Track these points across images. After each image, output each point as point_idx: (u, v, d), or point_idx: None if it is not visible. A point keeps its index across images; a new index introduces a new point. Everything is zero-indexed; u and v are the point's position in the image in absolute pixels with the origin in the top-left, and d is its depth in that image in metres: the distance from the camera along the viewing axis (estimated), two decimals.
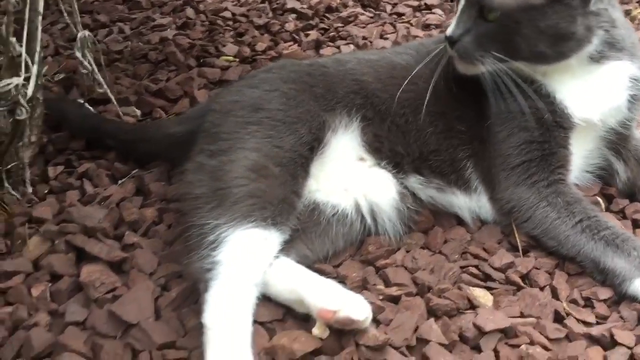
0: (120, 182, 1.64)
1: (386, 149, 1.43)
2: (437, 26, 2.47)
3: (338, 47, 2.34)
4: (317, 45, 2.36)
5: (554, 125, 1.37)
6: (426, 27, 2.48)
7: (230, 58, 2.28)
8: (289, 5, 2.61)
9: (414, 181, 1.44)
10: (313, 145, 1.37)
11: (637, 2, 2.50)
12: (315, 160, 1.38)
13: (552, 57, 1.33)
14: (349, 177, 1.41)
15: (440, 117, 1.45)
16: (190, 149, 1.44)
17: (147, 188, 1.58)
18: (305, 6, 2.61)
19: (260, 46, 2.33)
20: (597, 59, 1.37)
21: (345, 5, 2.64)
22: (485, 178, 1.42)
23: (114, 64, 2.27)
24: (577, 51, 1.33)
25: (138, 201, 1.54)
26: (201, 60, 2.27)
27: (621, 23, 1.38)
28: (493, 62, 1.33)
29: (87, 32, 1.79)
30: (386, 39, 2.39)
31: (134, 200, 1.54)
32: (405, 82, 1.45)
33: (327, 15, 2.57)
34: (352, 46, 2.34)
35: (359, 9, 2.62)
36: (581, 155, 1.45)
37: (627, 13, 2.39)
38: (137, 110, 1.99)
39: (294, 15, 2.57)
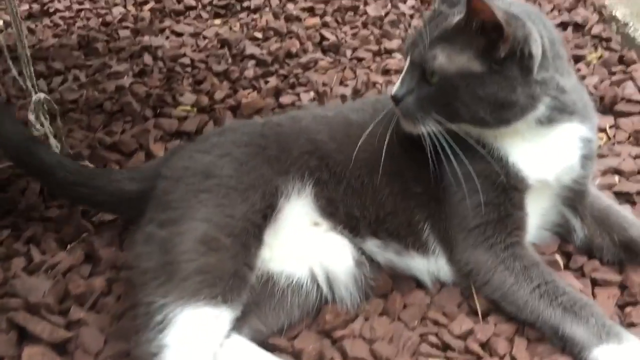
0: (69, 247, 1.58)
1: (342, 213, 1.41)
2: (396, 71, 2.47)
3: (298, 95, 2.32)
4: (277, 93, 2.34)
5: (508, 188, 1.35)
6: (386, 72, 2.48)
7: (188, 108, 2.24)
8: (248, 51, 2.59)
9: (371, 245, 1.41)
10: (266, 213, 1.33)
11: (593, 46, 2.53)
12: (269, 228, 1.34)
13: (493, 123, 1.31)
14: (304, 244, 1.37)
15: (397, 178, 1.43)
16: (141, 209, 1.39)
17: (97, 254, 1.52)
18: (264, 52, 2.60)
19: (219, 94, 2.31)
20: (546, 122, 1.35)
21: (305, 51, 2.63)
22: (443, 240, 1.40)
23: (68, 115, 2.22)
24: (520, 118, 1.31)
25: (87, 269, 1.48)
26: (158, 111, 2.23)
27: (571, 88, 1.36)
28: (434, 124, 1.32)
29: (42, 95, 1.73)
30: (346, 85, 2.38)
31: (82, 269, 1.48)
32: (361, 142, 1.43)
33: (286, 61, 2.56)
34: (312, 93, 2.32)
35: (319, 54, 2.61)
36: (538, 214, 1.44)
37: (582, 58, 2.43)
38: (90, 165, 1.93)
39: (253, 62, 2.55)
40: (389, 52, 2.64)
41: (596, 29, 2.63)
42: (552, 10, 2.88)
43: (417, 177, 1.42)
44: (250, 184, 1.34)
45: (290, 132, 1.47)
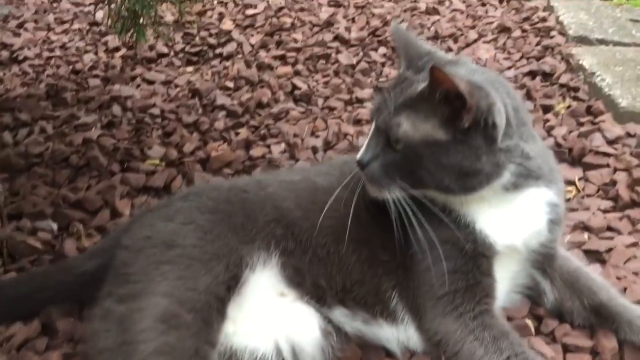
0: None
1: (308, 283, 1.37)
2: (367, 121, 2.47)
3: (268, 146, 2.30)
4: (247, 145, 2.32)
5: (476, 255, 1.34)
6: (357, 122, 2.47)
7: (156, 162, 2.21)
8: (219, 102, 2.58)
9: (339, 314, 1.38)
10: (230, 285, 1.29)
11: (561, 95, 2.56)
12: (232, 301, 1.30)
13: (458, 190, 1.30)
14: (269, 316, 1.33)
15: (364, 245, 1.40)
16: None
17: (55, 325, 1.46)
18: (235, 102, 2.58)
19: (188, 147, 2.28)
20: (512, 189, 1.35)
21: (276, 100, 2.62)
22: (412, 308, 1.38)
23: (32, 169, 2.17)
24: (486, 185, 1.31)
25: (43, 343, 1.42)
26: (125, 165, 2.19)
27: (536, 153, 1.36)
28: (399, 190, 1.31)
29: None
30: (317, 136, 2.37)
31: (38, 342, 1.42)
32: (326, 208, 1.40)
33: (257, 111, 2.54)
34: (282, 145, 2.31)
35: (291, 104, 2.60)
36: (507, 279, 1.42)
37: (551, 107, 2.45)
38: (53, 224, 1.89)
39: (224, 112, 2.53)
40: (360, 101, 2.64)
41: (564, 78, 2.66)
42: (520, 58, 2.92)
43: (384, 244, 1.39)
44: (214, 253, 1.31)
45: (256, 199, 1.45)
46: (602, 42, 3.02)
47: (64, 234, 1.86)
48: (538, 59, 2.88)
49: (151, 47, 3.24)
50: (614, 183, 1.98)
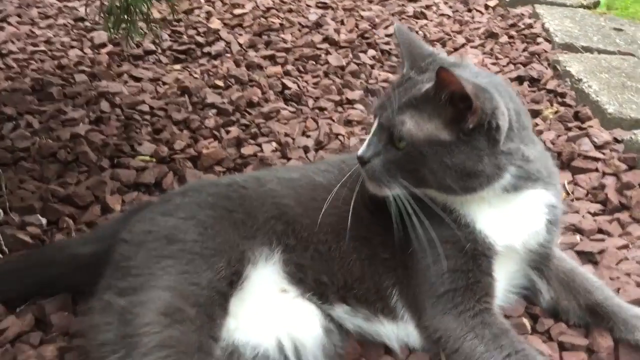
0: (18, 309, 1.49)
1: (310, 279, 1.37)
2: (358, 122, 2.48)
3: (260, 145, 2.29)
4: (238, 143, 2.30)
5: (476, 254, 1.35)
6: (348, 123, 2.48)
7: (147, 158, 2.18)
8: (209, 100, 2.55)
9: (340, 311, 1.38)
10: (232, 280, 1.28)
11: (548, 101, 2.59)
12: (235, 297, 1.29)
13: (459, 190, 1.31)
14: (271, 312, 1.32)
15: (364, 242, 1.40)
16: (98, 273, 1.33)
17: (48, 319, 1.44)
18: (225, 100, 2.56)
19: (179, 144, 2.26)
20: (512, 190, 1.36)
21: (267, 100, 2.61)
22: (412, 306, 1.38)
23: (19, 164, 2.13)
24: (486, 187, 1.32)
25: (37, 337, 1.39)
26: (115, 161, 2.16)
27: (535, 157, 1.38)
28: (400, 188, 1.32)
29: None
30: (308, 136, 2.37)
31: (32, 336, 1.39)
32: (326, 205, 1.40)
33: (248, 110, 2.53)
34: (274, 144, 2.30)
35: (281, 104, 2.59)
36: (505, 278, 1.44)
37: (539, 112, 2.48)
38: (42, 219, 1.85)
39: (214, 110, 2.51)
40: (350, 102, 2.65)
41: (551, 84, 2.70)
42: (507, 64, 2.96)
43: (384, 242, 1.40)
44: (216, 249, 1.30)
45: (255, 196, 1.44)
46: (587, 49, 3.08)
47: (53, 229, 1.83)
48: (525, 64, 2.92)
49: (138, 44, 3.20)
50: (602, 187, 2.02)
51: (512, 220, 1.37)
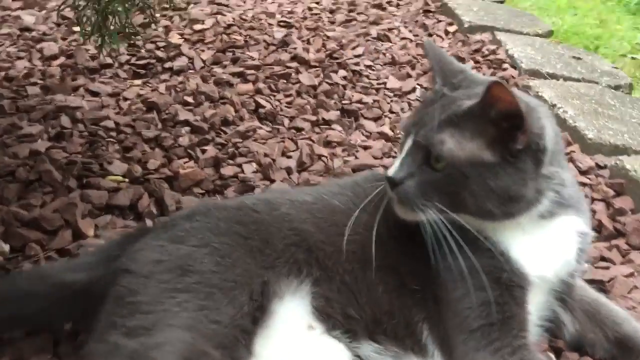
0: None
1: (337, 313, 1.24)
2: (338, 143, 2.38)
3: (240, 165, 2.16)
4: (216, 163, 2.16)
5: (512, 285, 1.26)
6: (328, 144, 2.38)
7: (119, 178, 2.00)
8: (181, 117, 2.39)
9: (369, 350, 1.26)
10: (256, 316, 1.14)
11: None
12: (259, 335, 1.14)
13: (499, 215, 1.24)
14: (298, 352, 1.19)
15: (390, 272, 1.30)
16: (91, 308, 1.16)
17: None
18: (199, 118, 2.41)
19: (153, 163, 2.08)
20: (547, 216, 1.30)
21: (241, 118, 2.47)
22: (443, 343, 1.27)
23: None
24: (526, 212, 1.26)
25: None
26: (84, 181, 1.96)
27: (570, 182, 1.34)
28: (435, 212, 1.22)
29: None
30: (289, 157, 2.25)
31: None
32: (348, 231, 1.29)
33: (223, 128, 2.38)
34: (254, 164, 2.16)
35: (257, 123, 2.46)
36: (534, 310, 1.36)
37: None
38: (4, 246, 1.64)
39: (187, 128, 2.35)
40: (327, 122, 2.55)
41: None
42: None
43: (413, 272, 1.30)
44: (236, 281, 1.16)
45: (270, 221, 1.31)
46: (552, 76, 3.11)
47: (19, 257, 1.62)
48: None
49: (93, 57, 3.00)
50: (593, 213, 1.99)
51: (545, 249, 1.31)
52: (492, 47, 3.48)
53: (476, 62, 3.30)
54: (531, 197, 1.23)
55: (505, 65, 3.24)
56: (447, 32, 3.82)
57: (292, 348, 1.19)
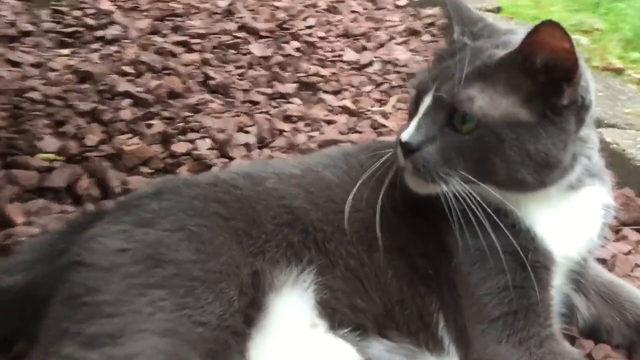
0: None
1: (344, 305, 1.03)
2: (299, 118, 2.16)
3: (192, 142, 1.91)
4: (165, 139, 1.90)
5: (537, 267, 1.09)
6: (288, 118, 2.15)
7: (52, 156, 1.71)
8: (120, 88, 2.10)
9: (380, 348, 1.05)
10: (249, 314, 0.92)
11: None
12: (254, 337, 0.92)
13: (532, 185, 1.06)
14: (300, 355, 0.97)
15: (398, 256, 1.10)
16: (31, 315, 0.90)
17: None
18: (141, 90, 2.13)
19: (91, 139, 1.81)
20: (576, 187, 1.14)
21: (189, 90, 2.21)
22: (460, 336, 1.09)
23: None
24: (559, 180, 1.09)
25: None
26: (8, 159, 1.66)
27: (597, 148, 1.18)
28: (459, 183, 1.03)
29: None
30: (247, 132, 2.01)
31: None
32: (348, 208, 1.08)
33: (170, 101, 2.12)
34: (208, 140, 1.92)
35: (208, 95, 2.21)
36: (555, 294, 1.19)
37: None
38: None
39: (129, 101, 2.06)
40: (284, 96, 2.33)
41: None
42: None
43: (424, 254, 1.10)
44: (220, 271, 0.92)
45: (255, 197, 1.08)
46: None
47: None
48: None
49: (11, 23, 2.65)
50: None
51: (571, 224, 1.14)
52: (445, 20, 3.34)
53: (432, 34, 3.15)
54: (567, 163, 1.05)
55: None
56: (397, 6, 3.66)
57: (293, 351, 0.96)
